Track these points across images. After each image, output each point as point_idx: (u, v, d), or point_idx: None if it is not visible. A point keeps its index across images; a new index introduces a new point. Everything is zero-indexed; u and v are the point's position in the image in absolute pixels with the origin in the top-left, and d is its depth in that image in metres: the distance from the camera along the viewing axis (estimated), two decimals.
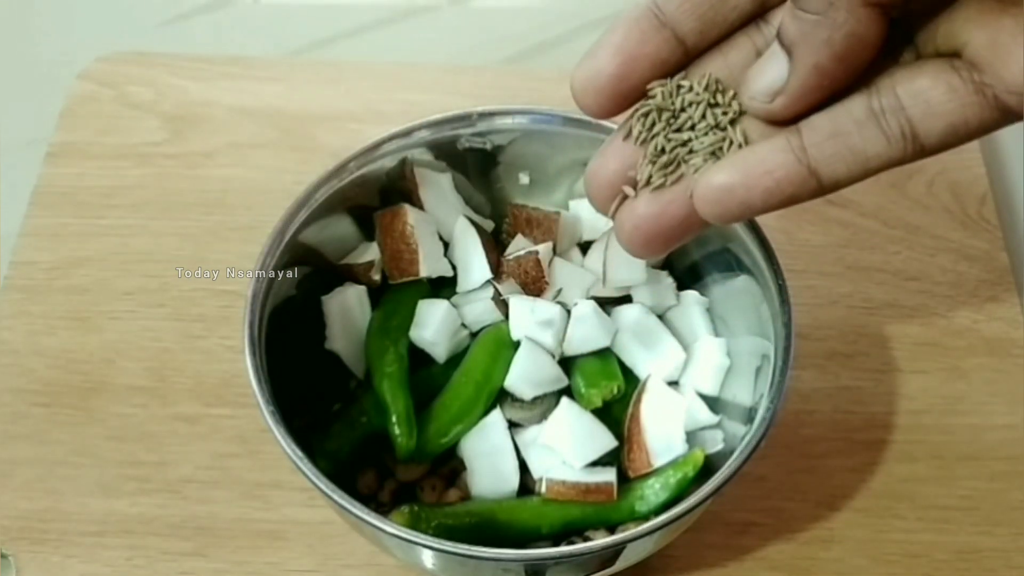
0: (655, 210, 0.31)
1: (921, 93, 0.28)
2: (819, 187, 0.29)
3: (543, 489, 0.40)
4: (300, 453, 0.36)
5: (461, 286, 0.44)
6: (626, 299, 0.44)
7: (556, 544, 0.40)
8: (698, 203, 0.30)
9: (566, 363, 0.42)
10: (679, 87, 0.31)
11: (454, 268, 0.44)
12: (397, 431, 0.40)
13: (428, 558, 0.37)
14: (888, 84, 0.29)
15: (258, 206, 0.54)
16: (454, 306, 0.43)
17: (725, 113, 0.31)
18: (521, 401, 0.42)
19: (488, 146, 0.44)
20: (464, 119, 0.43)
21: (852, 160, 0.29)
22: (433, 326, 0.42)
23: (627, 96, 0.31)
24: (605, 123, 0.41)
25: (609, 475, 0.40)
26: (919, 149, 0.29)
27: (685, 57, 0.31)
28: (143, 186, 0.55)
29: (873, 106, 0.29)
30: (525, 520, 0.40)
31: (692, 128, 0.31)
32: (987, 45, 0.27)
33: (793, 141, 0.29)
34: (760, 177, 0.29)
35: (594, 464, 0.40)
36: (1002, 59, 0.27)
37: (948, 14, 0.28)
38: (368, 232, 0.44)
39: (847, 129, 0.29)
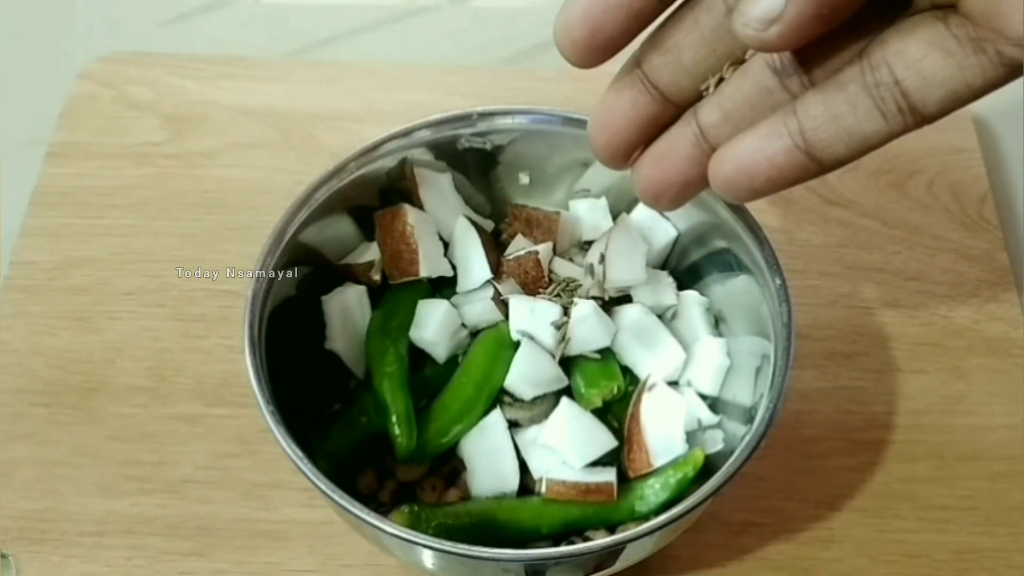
0: (659, 175, 0.33)
1: (914, 63, 0.27)
2: (821, 169, 0.29)
3: (543, 489, 0.40)
4: (300, 453, 0.36)
5: (461, 286, 0.44)
6: (626, 299, 0.44)
7: (556, 544, 0.40)
8: (714, 187, 0.31)
9: (566, 363, 0.42)
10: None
11: (454, 268, 0.44)
12: (397, 431, 0.40)
13: (428, 558, 0.37)
14: (879, 54, 0.28)
15: (258, 206, 0.54)
16: (454, 306, 0.43)
17: None
18: (521, 401, 0.42)
19: (488, 146, 0.44)
20: (464, 119, 0.43)
21: (850, 140, 0.28)
22: (433, 326, 0.42)
23: (605, 47, 0.31)
24: None
25: (609, 475, 0.40)
26: (919, 120, 0.28)
27: (661, 6, 0.30)
28: (143, 186, 0.55)
29: (867, 81, 0.28)
30: (525, 520, 0.40)
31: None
32: None
33: (790, 124, 0.29)
34: (761, 165, 0.29)
35: (594, 464, 0.40)
36: (999, 9, 0.26)
37: None
38: (368, 232, 0.44)
39: (842, 111, 0.28)
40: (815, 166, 0.29)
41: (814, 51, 0.30)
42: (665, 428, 0.41)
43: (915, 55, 0.27)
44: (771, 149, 0.29)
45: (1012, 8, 0.26)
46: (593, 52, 0.31)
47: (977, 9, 0.26)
